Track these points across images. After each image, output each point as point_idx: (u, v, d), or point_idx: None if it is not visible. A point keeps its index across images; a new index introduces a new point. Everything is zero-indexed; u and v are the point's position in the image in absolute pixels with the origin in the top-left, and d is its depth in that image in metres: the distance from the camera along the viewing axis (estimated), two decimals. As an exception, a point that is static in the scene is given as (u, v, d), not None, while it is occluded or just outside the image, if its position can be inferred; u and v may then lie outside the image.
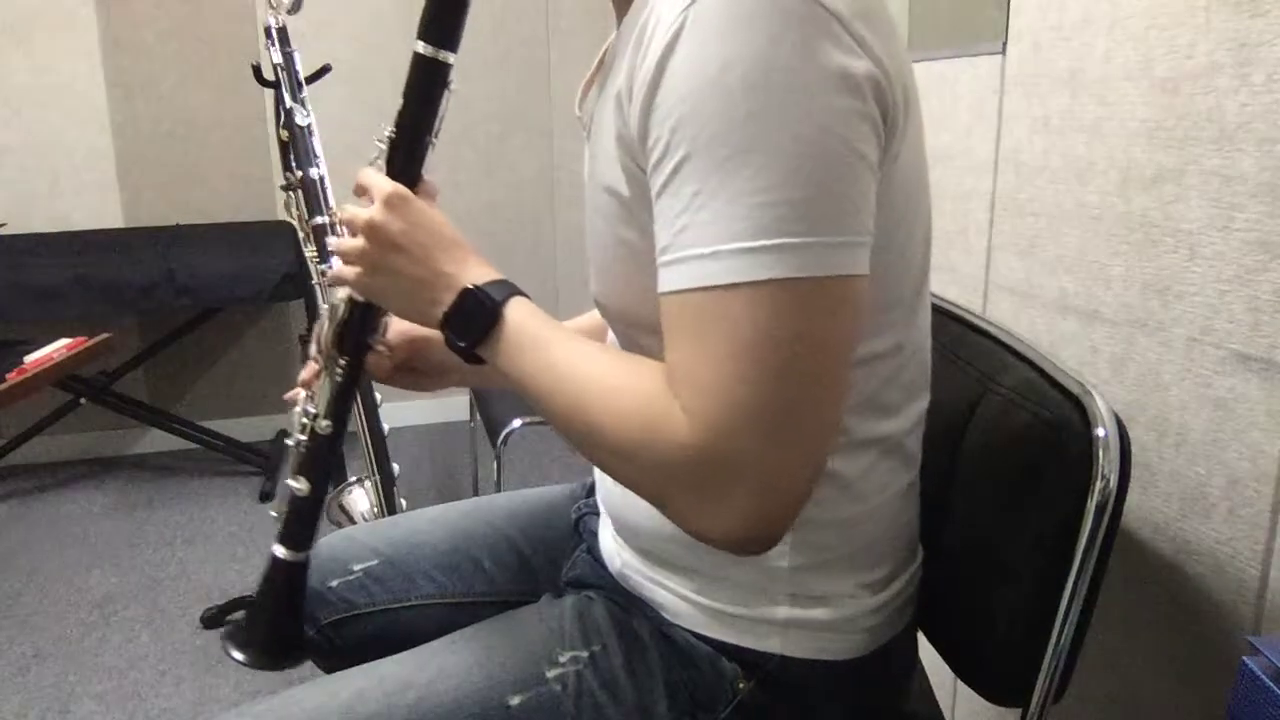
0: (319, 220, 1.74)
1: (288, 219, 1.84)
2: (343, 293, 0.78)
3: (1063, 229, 1.01)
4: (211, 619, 1.99)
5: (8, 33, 2.69)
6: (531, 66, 3.09)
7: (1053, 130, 1.02)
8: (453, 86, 0.74)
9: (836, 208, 0.53)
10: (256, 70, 1.94)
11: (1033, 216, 1.07)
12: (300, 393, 0.83)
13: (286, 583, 0.83)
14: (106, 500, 2.65)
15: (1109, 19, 0.92)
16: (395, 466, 1.94)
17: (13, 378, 1.61)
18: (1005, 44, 1.11)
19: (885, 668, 0.73)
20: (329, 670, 0.87)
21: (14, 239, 2.68)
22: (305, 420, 0.81)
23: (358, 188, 0.74)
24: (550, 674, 0.71)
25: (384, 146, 0.75)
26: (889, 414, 0.68)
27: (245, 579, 2.16)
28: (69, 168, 2.81)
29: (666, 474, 0.56)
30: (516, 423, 1.81)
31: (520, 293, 0.68)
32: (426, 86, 0.73)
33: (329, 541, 0.97)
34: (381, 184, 0.71)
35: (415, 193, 0.73)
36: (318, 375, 0.82)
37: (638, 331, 0.66)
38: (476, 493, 2.58)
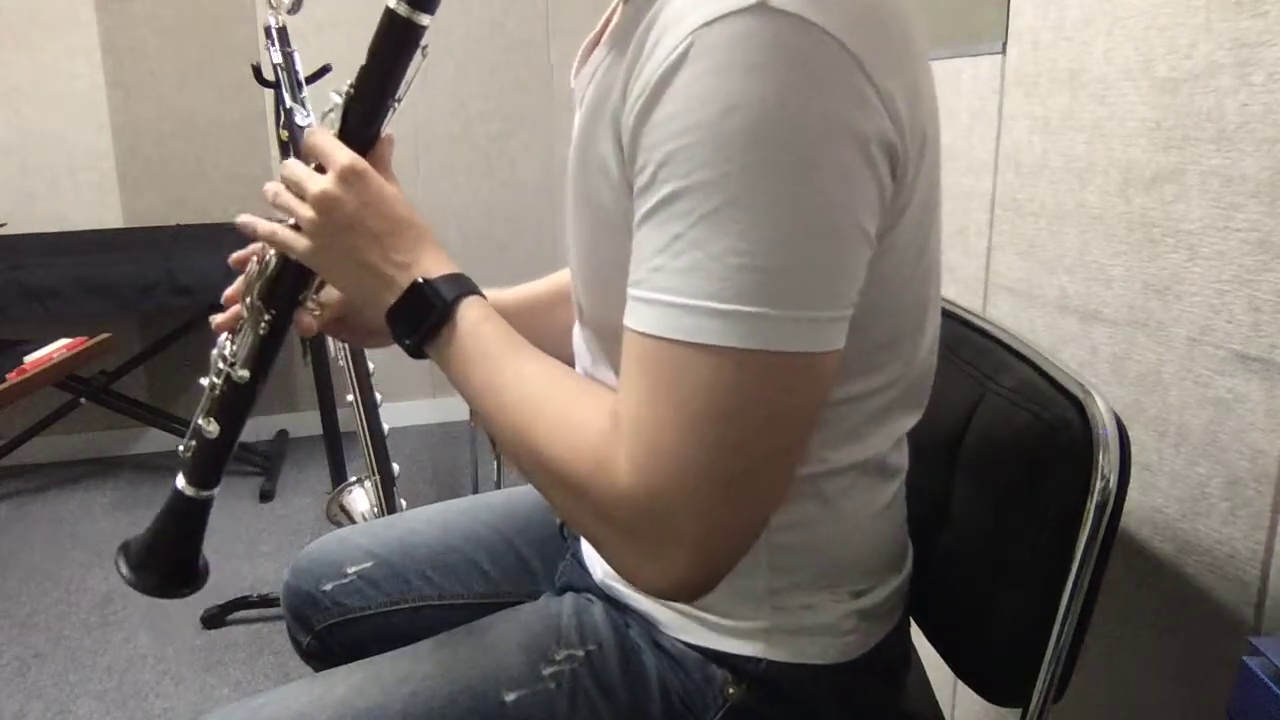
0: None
1: (288, 219, 1.84)
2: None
3: (1063, 229, 1.01)
4: (211, 619, 1.99)
5: (8, 33, 2.69)
6: (531, 66, 3.08)
7: (1053, 130, 1.02)
8: (425, 51, 0.69)
9: (818, 282, 0.51)
10: (256, 70, 1.94)
11: (1033, 216, 1.07)
12: (223, 334, 0.79)
13: (188, 515, 0.83)
14: (106, 500, 2.65)
15: (1109, 19, 0.92)
16: (395, 466, 1.94)
17: (13, 378, 1.61)
18: (1005, 44, 1.10)
19: (874, 669, 0.72)
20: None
21: (14, 239, 2.67)
22: (221, 365, 0.77)
23: (308, 148, 0.69)
24: (546, 671, 0.71)
25: (340, 101, 0.70)
26: (871, 441, 0.66)
27: (246, 578, 2.15)
28: (69, 168, 2.80)
29: (604, 517, 0.55)
30: (516, 423, 1.80)
31: (474, 290, 0.66)
32: (396, 47, 0.67)
33: (322, 543, 0.96)
34: (337, 155, 0.67)
35: (370, 156, 0.68)
36: (236, 320, 0.78)
37: (612, 343, 0.62)
38: (476, 493, 2.57)
